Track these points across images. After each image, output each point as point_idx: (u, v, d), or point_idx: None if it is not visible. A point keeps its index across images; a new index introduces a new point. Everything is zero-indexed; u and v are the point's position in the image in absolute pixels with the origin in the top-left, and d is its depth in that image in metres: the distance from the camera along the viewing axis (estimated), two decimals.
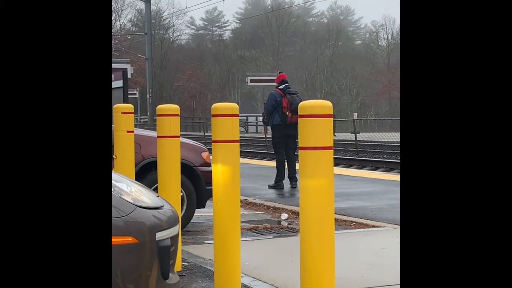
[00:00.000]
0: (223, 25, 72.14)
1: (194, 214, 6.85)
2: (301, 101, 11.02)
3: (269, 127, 10.78)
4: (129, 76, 18.90)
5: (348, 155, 19.08)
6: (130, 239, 2.62)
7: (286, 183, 10.17)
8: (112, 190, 2.69)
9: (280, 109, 10.05)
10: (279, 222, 7.44)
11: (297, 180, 9.46)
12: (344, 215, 7.38)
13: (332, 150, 3.44)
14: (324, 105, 3.43)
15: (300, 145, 3.47)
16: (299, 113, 3.48)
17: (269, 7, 59.79)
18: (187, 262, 5.11)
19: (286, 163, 10.28)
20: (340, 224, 6.93)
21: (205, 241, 6.12)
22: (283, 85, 10.25)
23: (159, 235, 2.73)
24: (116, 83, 15.68)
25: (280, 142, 10.23)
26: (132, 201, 2.72)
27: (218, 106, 4.29)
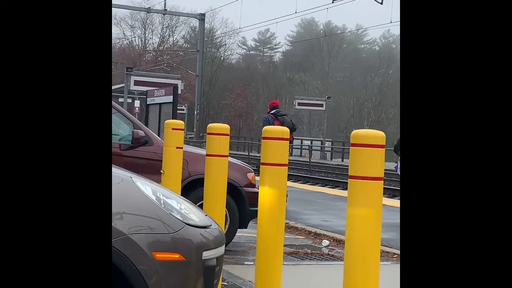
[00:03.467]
0: (274, 46, 72.56)
1: (236, 234, 6.86)
2: (291, 120, 12.07)
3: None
4: (179, 92, 19.16)
5: (393, 185, 18.88)
6: (177, 256, 2.64)
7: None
8: (162, 206, 2.72)
9: None
10: (320, 249, 7.39)
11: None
12: (387, 246, 7.29)
13: (382, 181, 3.41)
14: (377, 135, 3.41)
15: (350, 173, 3.45)
16: (351, 142, 3.47)
17: (321, 31, 59.94)
18: (227, 282, 5.11)
19: None
20: (383, 256, 6.85)
21: (245, 262, 6.11)
22: (274, 110, 11.91)
23: (206, 254, 2.74)
24: (166, 98, 15.90)
25: None
26: (181, 219, 2.74)
27: (269, 129, 4.30)
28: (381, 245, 7.08)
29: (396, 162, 12.66)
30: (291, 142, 13.71)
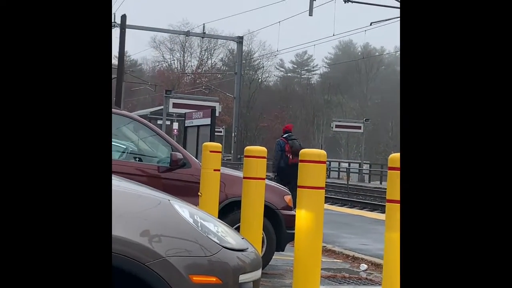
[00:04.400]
0: (312, 69, 72.65)
1: (273, 257, 6.83)
2: (300, 144, 12.60)
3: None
4: (217, 114, 19.28)
5: None
6: (214, 279, 2.64)
7: None
8: (200, 229, 2.74)
9: (284, 153, 12.15)
10: (358, 273, 7.32)
11: None
12: None
13: None
14: None
15: (388, 197, 3.43)
16: (388, 165, 3.46)
17: (359, 53, 59.84)
18: None
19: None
20: None
21: (282, 286, 6.08)
22: (286, 134, 12.60)
23: (242, 278, 2.74)
24: (204, 121, 16.01)
25: (282, 182, 10.61)
26: (218, 242, 2.75)
27: (307, 152, 4.31)
28: None
29: None
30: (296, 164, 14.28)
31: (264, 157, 5.26)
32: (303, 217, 4.19)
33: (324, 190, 4.25)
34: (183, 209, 2.80)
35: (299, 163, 4.28)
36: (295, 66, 73.39)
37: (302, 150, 4.36)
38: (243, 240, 3.01)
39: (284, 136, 12.88)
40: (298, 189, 4.26)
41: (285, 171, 11.96)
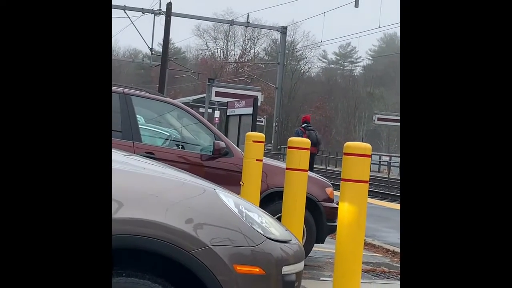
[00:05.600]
0: (355, 61, 72.09)
1: (313, 249, 6.82)
2: (315, 135, 13.42)
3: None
4: (259, 103, 19.29)
5: None
6: (257, 270, 2.64)
7: None
8: (244, 219, 2.74)
9: None
10: (397, 267, 7.25)
11: None
12: None
13: None
14: None
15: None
16: None
17: None
18: None
19: None
20: None
21: (321, 278, 6.06)
22: (305, 124, 13.90)
23: (285, 269, 2.74)
24: (246, 110, 16.04)
25: None
26: (262, 232, 2.74)
27: (351, 145, 4.27)
28: None
29: None
30: (315, 155, 15.60)
31: (307, 149, 5.24)
32: (346, 210, 4.16)
33: (368, 183, 4.21)
34: (228, 198, 2.80)
35: (343, 155, 4.24)
36: (338, 58, 72.91)
37: (346, 143, 4.32)
38: (286, 232, 3.00)
39: (303, 126, 13.83)
40: (341, 182, 4.22)
41: None
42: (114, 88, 6.90)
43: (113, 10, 29.99)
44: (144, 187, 2.69)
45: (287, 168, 5.24)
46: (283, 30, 33.29)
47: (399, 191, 21.38)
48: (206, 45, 64.73)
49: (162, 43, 29.09)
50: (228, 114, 18.11)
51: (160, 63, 27.98)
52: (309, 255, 6.79)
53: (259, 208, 3.06)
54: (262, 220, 2.85)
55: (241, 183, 6.07)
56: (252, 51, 63.04)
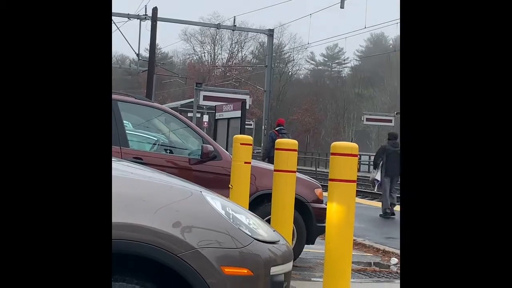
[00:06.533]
0: (343, 62, 72.26)
1: (303, 250, 6.83)
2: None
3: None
4: (247, 107, 19.31)
5: None
6: (245, 271, 2.65)
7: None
8: (232, 221, 2.74)
9: (274, 145, 14.32)
10: (388, 266, 7.28)
11: None
12: None
13: None
14: None
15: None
16: None
17: (391, 46, 59.34)
18: None
19: None
20: None
21: (312, 278, 6.07)
22: (279, 127, 14.35)
23: (274, 270, 2.75)
24: (235, 113, 16.06)
25: None
26: (250, 234, 2.75)
27: (338, 145, 4.28)
28: None
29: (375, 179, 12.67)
30: None
31: (295, 150, 5.25)
32: (334, 210, 4.17)
33: (355, 183, 4.23)
34: (215, 200, 2.81)
35: (331, 155, 4.26)
36: (326, 59, 73.05)
37: (333, 143, 4.33)
38: (274, 233, 3.01)
39: (277, 129, 14.45)
40: (329, 182, 4.24)
41: (273, 161, 13.75)
42: None
43: None
44: (131, 192, 2.69)
45: (275, 170, 5.26)
46: (270, 33, 33.31)
47: None
48: (193, 49, 64.75)
49: (149, 48, 29.05)
50: (216, 118, 18.11)
51: (147, 69, 27.94)
52: (299, 256, 6.80)
53: (247, 210, 3.07)
54: (250, 221, 2.86)
55: (230, 186, 6.08)
56: (240, 54, 63.11)
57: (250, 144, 6.11)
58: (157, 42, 27.85)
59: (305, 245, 6.79)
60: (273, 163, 13.41)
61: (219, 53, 63.92)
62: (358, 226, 10.00)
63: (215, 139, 14.86)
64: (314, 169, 31.19)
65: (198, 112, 29.47)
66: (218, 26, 35.54)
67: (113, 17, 29.33)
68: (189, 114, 31.03)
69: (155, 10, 27.00)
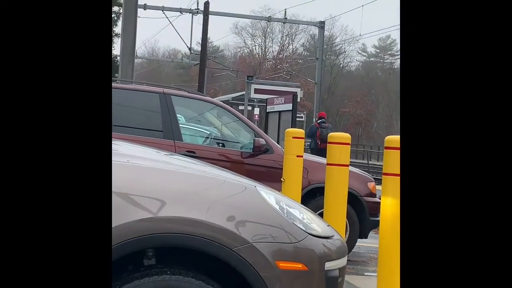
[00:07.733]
0: (395, 53, 71.30)
1: (356, 244, 6.79)
2: (326, 133, 14.20)
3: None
4: (298, 99, 19.25)
5: None
6: (300, 266, 2.64)
7: None
8: (286, 215, 2.74)
9: (315, 138, 14.54)
10: None
11: None
12: None
13: None
14: None
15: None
16: None
17: None
18: None
19: None
20: None
21: (365, 273, 6.03)
22: (320, 120, 15.00)
23: (328, 265, 2.73)
24: (286, 106, 16.02)
25: None
26: (304, 228, 2.74)
27: (392, 139, 4.23)
28: None
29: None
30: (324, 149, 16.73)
31: (348, 144, 5.21)
32: (388, 205, 4.12)
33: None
34: (269, 195, 2.81)
35: (384, 149, 4.21)
36: (378, 51, 72.24)
37: (387, 137, 4.28)
38: (328, 227, 2.99)
39: (318, 122, 14.82)
40: (383, 176, 4.19)
41: (314, 153, 13.52)
42: (154, 89, 6.99)
43: (151, 11, 30.31)
44: (186, 186, 2.72)
45: (328, 164, 5.23)
46: (321, 25, 33.14)
47: None
48: (244, 42, 64.87)
49: (200, 42, 29.25)
50: (267, 111, 18.12)
51: (199, 62, 28.14)
52: (352, 250, 6.77)
53: (300, 205, 3.06)
54: (304, 216, 2.85)
55: (282, 179, 6.08)
56: (290, 47, 62.95)
57: (302, 138, 6.09)
58: (208, 35, 28.03)
59: (358, 239, 6.74)
60: (313, 153, 13.88)
61: (269, 46, 63.94)
62: None
63: (266, 132, 14.88)
64: (366, 162, 30.94)
65: (249, 105, 29.54)
66: (269, 19, 35.55)
67: (165, 12, 29.66)
68: (240, 107, 31.12)
69: (207, 4, 27.16)
